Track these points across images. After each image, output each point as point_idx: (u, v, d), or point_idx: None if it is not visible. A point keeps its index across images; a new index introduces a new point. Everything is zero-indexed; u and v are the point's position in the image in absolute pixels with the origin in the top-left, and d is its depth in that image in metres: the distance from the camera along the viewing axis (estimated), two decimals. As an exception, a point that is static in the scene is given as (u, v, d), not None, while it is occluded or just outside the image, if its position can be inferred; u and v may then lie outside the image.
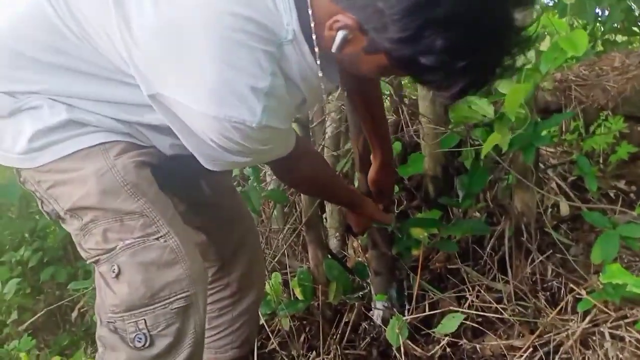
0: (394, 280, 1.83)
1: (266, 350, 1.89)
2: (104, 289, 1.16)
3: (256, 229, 1.71)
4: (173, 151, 1.22)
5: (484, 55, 0.91)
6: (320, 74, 1.06)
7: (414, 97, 2.38)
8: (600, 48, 3.31)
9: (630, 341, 1.45)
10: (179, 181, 1.30)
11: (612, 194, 2.07)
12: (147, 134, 1.18)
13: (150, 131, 1.18)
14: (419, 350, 1.68)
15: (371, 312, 1.86)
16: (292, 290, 1.90)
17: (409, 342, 1.67)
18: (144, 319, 1.13)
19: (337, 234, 2.17)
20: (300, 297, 1.85)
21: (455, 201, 1.97)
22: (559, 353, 1.52)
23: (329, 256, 1.89)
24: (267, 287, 1.88)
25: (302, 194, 1.96)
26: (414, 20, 0.86)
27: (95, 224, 1.13)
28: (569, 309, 1.62)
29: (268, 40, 0.96)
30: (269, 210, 2.35)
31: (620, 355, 1.43)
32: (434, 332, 1.69)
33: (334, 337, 1.82)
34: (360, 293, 1.93)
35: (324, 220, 2.17)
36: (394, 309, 1.78)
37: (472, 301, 1.76)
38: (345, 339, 1.83)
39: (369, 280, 1.88)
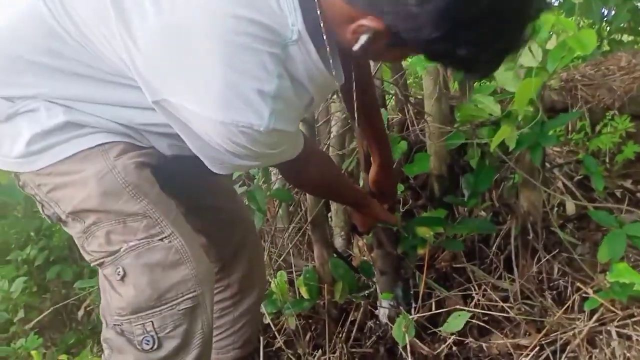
0: (400, 279, 1.83)
1: (272, 349, 1.90)
2: (109, 291, 1.16)
3: (256, 230, 1.71)
4: (172, 152, 1.21)
5: (509, 39, 0.93)
6: (333, 73, 1.05)
7: (419, 97, 2.38)
8: (606, 48, 3.31)
9: (637, 340, 1.45)
10: (178, 184, 1.29)
11: (618, 194, 2.07)
12: (146, 135, 1.17)
13: (149, 132, 1.17)
14: (426, 348, 1.67)
15: (377, 310, 1.86)
16: (298, 289, 1.90)
17: (416, 341, 1.67)
18: (151, 321, 1.12)
19: (343, 232, 2.17)
20: (306, 296, 1.85)
21: (461, 200, 1.97)
22: (566, 352, 1.52)
23: (335, 255, 1.89)
24: (272, 286, 1.88)
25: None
26: (451, 20, 0.86)
27: (98, 227, 1.12)
28: (575, 307, 1.61)
29: (273, 42, 0.94)
30: (274, 210, 2.35)
31: (628, 354, 1.43)
32: (440, 331, 1.69)
33: (340, 335, 1.82)
34: (366, 292, 1.93)
35: (329, 219, 2.17)
36: (400, 308, 1.78)
37: (479, 300, 1.76)
38: (352, 337, 1.83)
39: (374, 279, 1.88)
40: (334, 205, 2.19)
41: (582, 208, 1.95)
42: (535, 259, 1.74)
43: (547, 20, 1.34)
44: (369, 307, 1.89)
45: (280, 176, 2.15)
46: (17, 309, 2.43)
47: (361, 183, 1.81)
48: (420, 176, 2.20)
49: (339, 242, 2.16)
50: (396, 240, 1.80)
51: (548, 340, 1.56)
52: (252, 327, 1.67)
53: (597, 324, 1.53)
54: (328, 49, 1.01)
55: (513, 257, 1.79)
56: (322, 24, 0.98)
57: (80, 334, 2.42)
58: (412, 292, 1.83)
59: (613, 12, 3.14)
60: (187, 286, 1.13)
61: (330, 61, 1.03)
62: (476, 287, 1.81)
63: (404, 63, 2.24)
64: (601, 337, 1.51)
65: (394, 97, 2.39)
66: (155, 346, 1.13)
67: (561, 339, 1.54)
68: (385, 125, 1.84)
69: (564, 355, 1.51)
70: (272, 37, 0.94)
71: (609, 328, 1.50)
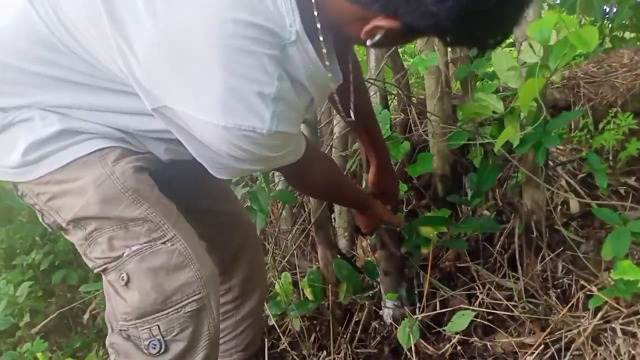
0: (404, 279, 1.83)
1: (277, 350, 1.90)
2: (114, 297, 1.16)
3: (256, 232, 1.71)
4: (168, 156, 1.21)
5: (516, 15, 0.96)
6: (327, 74, 1.05)
7: (421, 97, 2.38)
8: (608, 45, 3.30)
9: (642, 337, 1.45)
10: (177, 188, 1.28)
11: (622, 191, 2.06)
12: (143, 140, 1.17)
13: (145, 137, 1.16)
14: (430, 348, 1.67)
15: (381, 311, 1.86)
16: (302, 290, 1.90)
17: (420, 340, 1.67)
18: (158, 325, 1.13)
19: (346, 233, 2.17)
20: (310, 297, 1.85)
21: (465, 199, 1.97)
22: (571, 350, 1.51)
23: (339, 256, 1.89)
24: (276, 287, 1.88)
25: (310, 195, 1.95)
26: (470, 12, 0.88)
27: (99, 233, 1.12)
28: (580, 305, 1.61)
29: (272, 43, 0.94)
30: (278, 211, 2.35)
31: (632, 351, 1.43)
32: (444, 330, 1.69)
33: (345, 336, 1.82)
34: (370, 292, 1.93)
35: (333, 220, 2.17)
36: (405, 308, 1.78)
37: (483, 299, 1.76)
38: (356, 338, 1.83)
39: (378, 280, 1.88)
40: (337, 207, 2.20)
41: (586, 206, 1.94)
42: (540, 258, 1.74)
43: (550, 18, 1.34)
44: (373, 308, 1.89)
45: (283, 178, 2.15)
46: (23, 313, 2.44)
47: (363, 184, 1.81)
48: (423, 176, 2.20)
49: (342, 243, 2.16)
50: (400, 241, 1.80)
51: (553, 339, 1.56)
52: (254, 330, 1.67)
53: (601, 321, 1.52)
54: (325, 50, 1.01)
55: (517, 256, 1.79)
56: (318, 25, 0.98)
57: (86, 337, 2.42)
58: (416, 292, 1.83)
59: (615, 9, 3.13)
60: (192, 288, 1.14)
61: (327, 63, 1.03)
62: (480, 286, 1.81)
63: (405, 63, 2.24)
64: (606, 334, 1.50)
65: (396, 98, 2.39)
66: (162, 350, 1.13)
67: (566, 337, 1.54)
68: (388, 126, 1.84)
69: (568, 354, 1.51)
70: (271, 39, 0.93)
71: (613, 325, 1.50)
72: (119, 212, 1.10)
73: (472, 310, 1.63)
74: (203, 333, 1.17)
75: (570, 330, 1.55)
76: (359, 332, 1.83)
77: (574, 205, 2.00)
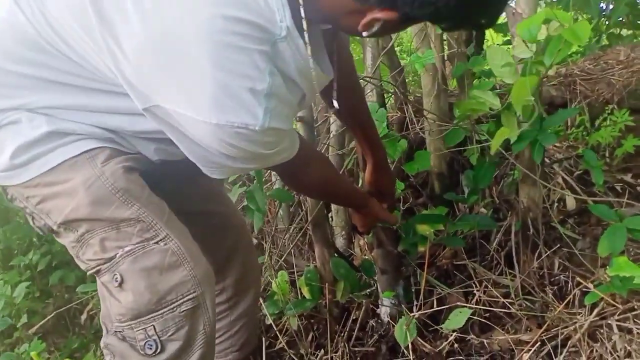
0: (401, 278, 1.83)
1: (275, 349, 1.89)
2: (109, 298, 1.15)
3: (249, 233, 1.71)
4: (158, 156, 1.20)
5: None
6: (315, 70, 1.05)
7: (418, 95, 2.38)
8: (605, 42, 3.30)
9: (638, 333, 1.44)
10: (168, 190, 1.27)
11: (618, 188, 2.06)
12: (132, 140, 1.16)
13: (134, 137, 1.16)
14: (427, 346, 1.67)
15: (378, 309, 1.86)
16: (300, 289, 1.90)
17: (418, 338, 1.67)
18: (153, 325, 1.12)
19: (343, 232, 2.16)
20: (307, 296, 1.84)
21: (461, 197, 1.97)
22: (567, 347, 1.51)
23: (336, 255, 1.89)
24: (274, 286, 1.88)
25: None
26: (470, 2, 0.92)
27: (91, 235, 1.11)
28: (576, 302, 1.61)
29: (262, 39, 0.93)
30: (275, 210, 2.35)
31: (629, 348, 1.43)
32: (441, 328, 1.69)
33: (342, 334, 1.82)
34: (368, 291, 1.93)
35: (330, 219, 2.17)
36: (402, 306, 1.78)
37: (480, 296, 1.76)
38: (354, 336, 1.83)
39: (375, 278, 1.88)
40: (334, 205, 2.19)
41: (582, 203, 1.94)
42: (536, 255, 1.74)
43: (539, 15, 1.34)
44: (371, 306, 1.89)
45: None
46: (20, 314, 2.43)
47: (360, 182, 1.80)
48: (420, 174, 2.20)
49: (339, 241, 2.16)
50: (397, 239, 1.80)
51: (549, 335, 1.56)
52: (249, 330, 1.67)
53: (597, 318, 1.52)
54: (308, 46, 1.00)
55: (514, 253, 1.79)
56: (304, 22, 0.98)
57: (83, 338, 2.42)
58: (413, 290, 1.84)
59: (611, 7, 3.14)
60: (186, 287, 1.13)
61: (310, 59, 1.02)
62: (477, 284, 1.81)
63: (402, 61, 2.24)
64: (602, 331, 1.50)
65: (392, 96, 2.39)
66: (158, 350, 1.13)
67: (562, 333, 1.54)
68: (385, 124, 1.84)
69: (565, 350, 1.51)
70: (261, 34, 0.93)
71: (609, 322, 1.50)
72: (110, 213, 1.09)
73: (469, 307, 1.63)
74: (199, 332, 1.17)
75: (566, 327, 1.55)
76: (356, 331, 1.83)
77: (571, 202, 2.00)
